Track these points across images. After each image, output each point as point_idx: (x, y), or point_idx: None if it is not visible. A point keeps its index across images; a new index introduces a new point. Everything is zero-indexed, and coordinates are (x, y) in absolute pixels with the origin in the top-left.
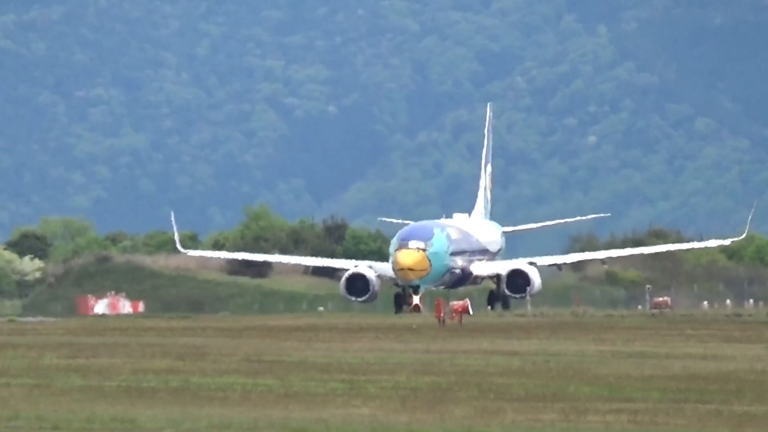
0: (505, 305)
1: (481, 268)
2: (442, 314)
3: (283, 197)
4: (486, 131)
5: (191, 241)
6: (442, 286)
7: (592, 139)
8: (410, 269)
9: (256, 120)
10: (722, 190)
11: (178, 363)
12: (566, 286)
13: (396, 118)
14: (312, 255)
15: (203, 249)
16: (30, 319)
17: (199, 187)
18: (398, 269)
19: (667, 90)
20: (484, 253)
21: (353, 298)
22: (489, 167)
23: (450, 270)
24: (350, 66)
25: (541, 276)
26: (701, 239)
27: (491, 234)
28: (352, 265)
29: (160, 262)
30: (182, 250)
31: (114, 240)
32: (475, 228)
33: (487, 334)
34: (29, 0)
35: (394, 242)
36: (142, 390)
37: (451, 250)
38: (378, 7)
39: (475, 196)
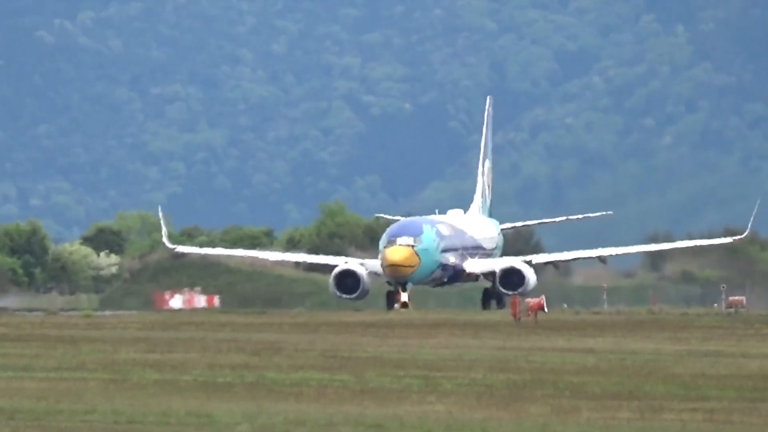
0: (500, 303)
1: (474, 265)
2: (518, 311)
3: (360, 194)
4: (485, 126)
5: (266, 237)
6: (433, 284)
7: (666, 139)
8: (399, 265)
9: (333, 117)
10: None
11: (254, 358)
12: (643, 284)
13: (472, 117)
14: None
15: (278, 246)
16: (106, 313)
17: (275, 184)
18: (386, 265)
19: (744, 90)
20: (478, 249)
21: (343, 296)
22: (488, 163)
23: (441, 266)
24: (427, 64)
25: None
26: None
27: (487, 231)
28: (342, 262)
29: (235, 257)
30: (170, 245)
31: (189, 235)
32: (470, 225)
33: (563, 332)
34: None
35: (383, 239)
36: (218, 385)
37: (441, 246)
38: (455, 6)
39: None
